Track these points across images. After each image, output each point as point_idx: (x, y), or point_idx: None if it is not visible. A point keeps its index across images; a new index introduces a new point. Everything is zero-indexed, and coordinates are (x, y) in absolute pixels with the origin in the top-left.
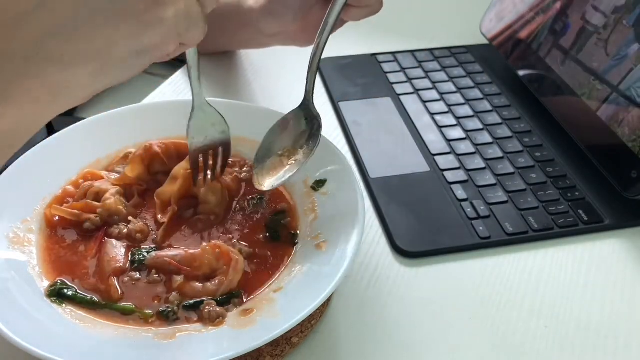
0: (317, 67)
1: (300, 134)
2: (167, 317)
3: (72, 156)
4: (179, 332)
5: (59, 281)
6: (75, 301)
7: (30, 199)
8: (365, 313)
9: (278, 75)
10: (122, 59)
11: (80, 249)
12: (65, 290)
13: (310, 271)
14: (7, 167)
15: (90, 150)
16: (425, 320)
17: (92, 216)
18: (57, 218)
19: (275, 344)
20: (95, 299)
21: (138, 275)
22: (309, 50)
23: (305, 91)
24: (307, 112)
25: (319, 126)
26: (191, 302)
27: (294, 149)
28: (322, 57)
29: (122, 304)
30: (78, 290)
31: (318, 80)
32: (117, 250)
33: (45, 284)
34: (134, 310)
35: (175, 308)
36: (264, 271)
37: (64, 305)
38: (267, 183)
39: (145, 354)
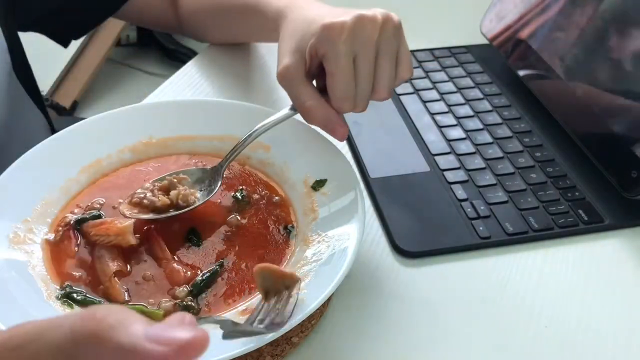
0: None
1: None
2: (189, 310)
3: (72, 156)
4: None
5: (67, 285)
6: (85, 304)
7: (31, 198)
8: (365, 313)
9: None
10: None
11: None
12: (75, 295)
13: (311, 271)
14: (8, 167)
15: (90, 150)
16: (425, 320)
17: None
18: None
19: (275, 344)
20: (104, 302)
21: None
22: None
23: (225, 159)
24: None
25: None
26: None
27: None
28: None
29: (130, 304)
30: (87, 295)
31: None
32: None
33: (51, 286)
34: (142, 310)
35: (189, 302)
36: None
37: (74, 308)
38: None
39: None
